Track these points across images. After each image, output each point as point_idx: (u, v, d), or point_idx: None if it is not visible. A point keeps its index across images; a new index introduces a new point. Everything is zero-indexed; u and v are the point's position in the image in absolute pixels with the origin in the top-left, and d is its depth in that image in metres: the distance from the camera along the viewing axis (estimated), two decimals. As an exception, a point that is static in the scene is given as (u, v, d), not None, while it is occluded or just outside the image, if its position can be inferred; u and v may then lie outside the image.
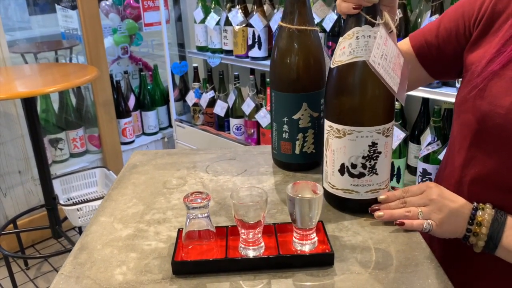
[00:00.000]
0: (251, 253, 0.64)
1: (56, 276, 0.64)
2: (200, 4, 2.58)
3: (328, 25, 2.00)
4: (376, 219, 0.73)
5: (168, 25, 2.96)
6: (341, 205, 0.77)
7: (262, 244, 0.65)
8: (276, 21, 2.21)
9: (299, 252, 0.65)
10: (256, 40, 2.35)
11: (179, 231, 0.68)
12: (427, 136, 1.79)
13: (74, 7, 2.58)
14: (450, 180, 0.79)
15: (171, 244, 0.69)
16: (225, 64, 2.85)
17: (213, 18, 2.49)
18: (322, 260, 0.63)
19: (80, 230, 2.57)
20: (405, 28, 1.76)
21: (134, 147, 2.94)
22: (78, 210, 2.12)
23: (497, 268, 0.75)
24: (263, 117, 2.39)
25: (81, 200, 2.38)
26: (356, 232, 0.71)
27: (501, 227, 0.67)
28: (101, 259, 0.67)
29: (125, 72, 2.94)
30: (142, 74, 2.99)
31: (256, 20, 2.29)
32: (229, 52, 2.52)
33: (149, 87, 3.04)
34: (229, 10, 2.42)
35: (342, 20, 0.73)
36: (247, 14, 2.39)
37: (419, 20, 1.79)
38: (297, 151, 0.89)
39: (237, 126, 2.66)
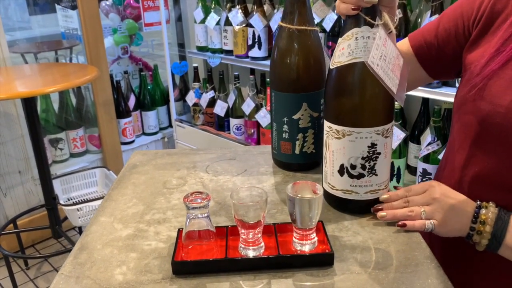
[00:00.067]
0: (251, 253, 0.64)
1: (56, 276, 0.64)
2: (200, 4, 2.58)
3: (328, 25, 2.00)
4: (378, 219, 0.73)
5: (168, 25, 2.96)
6: (341, 205, 0.77)
7: (262, 244, 0.65)
8: (276, 21, 2.22)
9: (299, 252, 0.65)
10: (256, 40, 2.35)
11: (179, 231, 0.68)
12: (427, 136, 1.79)
13: (74, 7, 2.58)
14: (450, 180, 0.79)
15: (171, 244, 0.69)
16: (225, 64, 2.85)
17: (213, 18, 2.49)
18: (322, 260, 0.63)
19: (80, 230, 2.57)
20: (405, 28, 1.76)
21: (134, 147, 2.94)
22: (78, 210, 2.12)
23: (497, 268, 0.75)
24: (263, 117, 2.39)
25: (81, 200, 2.38)
26: (356, 232, 0.71)
27: (505, 225, 0.67)
28: (101, 259, 0.67)
29: (125, 72, 2.94)
30: (142, 74, 2.99)
31: (256, 20, 2.29)
32: (229, 52, 2.52)
33: (149, 87, 3.04)
34: (229, 10, 2.42)
35: (342, 20, 0.73)
36: (247, 14, 2.39)
37: (419, 20, 1.79)
38: (297, 151, 0.89)
39: (237, 126, 2.66)
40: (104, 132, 2.73)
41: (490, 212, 0.68)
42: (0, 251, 2.09)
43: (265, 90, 2.48)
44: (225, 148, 1.07)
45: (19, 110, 2.31)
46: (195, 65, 2.85)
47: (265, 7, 2.35)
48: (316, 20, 2.00)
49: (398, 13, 0.75)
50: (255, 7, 2.32)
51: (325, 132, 0.74)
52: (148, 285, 0.61)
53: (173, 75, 2.89)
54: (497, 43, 0.69)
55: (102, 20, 2.61)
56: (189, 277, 0.62)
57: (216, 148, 1.07)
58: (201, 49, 2.70)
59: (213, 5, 2.54)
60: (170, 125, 3.14)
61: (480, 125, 0.70)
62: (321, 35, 2.08)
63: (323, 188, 0.77)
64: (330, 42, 2.08)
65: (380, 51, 0.65)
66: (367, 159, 0.71)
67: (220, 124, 2.80)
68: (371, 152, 0.70)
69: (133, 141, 2.97)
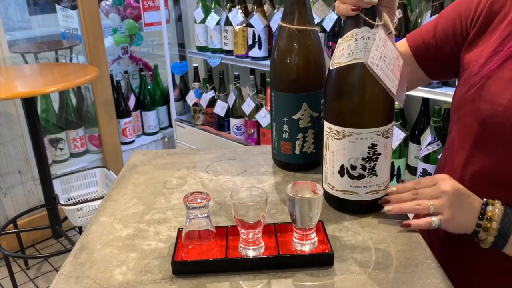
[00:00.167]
0: (251, 253, 0.64)
1: (56, 276, 0.64)
2: (200, 4, 2.58)
3: (328, 25, 2.00)
4: (378, 219, 0.73)
5: (168, 25, 2.96)
6: (341, 206, 0.77)
7: (262, 244, 0.65)
8: (276, 21, 2.21)
9: (299, 252, 0.65)
10: (256, 40, 2.35)
11: (179, 231, 0.68)
12: (427, 136, 1.79)
13: (74, 7, 2.58)
14: None
15: (171, 244, 0.70)
16: (225, 64, 2.85)
17: (213, 18, 2.49)
18: (322, 260, 0.64)
19: (80, 230, 2.57)
20: (405, 28, 1.76)
21: (134, 147, 2.94)
22: (78, 210, 2.12)
23: (497, 268, 0.75)
24: (263, 117, 2.39)
25: (81, 200, 2.38)
26: (356, 232, 0.71)
27: (511, 222, 0.67)
28: (101, 259, 0.67)
29: (125, 72, 2.94)
30: (142, 74, 2.99)
31: (256, 20, 2.29)
32: (229, 52, 2.52)
33: (149, 87, 3.04)
34: (229, 10, 2.42)
35: (342, 20, 0.73)
36: (247, 14, 2.39)
37: (419, 20, 1.79)
38: (297, 151, 0.89)
39: (237, 126, 2.66)
40: (104, 132, 2.73)
41: (496, 209, 0.67)
42: (0, 251, 2.09)
43: (265, 90, 2.48)
44: (225, 148, 1.07)
45: (19, 110, 2.31)
46: (195, 65, 2.85)
47: (265, 7, 2.35)
48: (316, 20, 2.00)
49: (398, 13, 0.76)
50: (255, 7, 2.32)
51: (325, 133, 0.74)
52: (148, 285, 0.61)
53: (173, 75, 2.89)
54: (495, 42, 0.70)
55: (102, 20, 2.61)
56: (189, 277, 0.62)
57: (216, 148, 1.07)
58: (201, 49, 2.70)
59: (213, 5, 2.54)
60: (170, 125, 3.14)
61: (479, 125, 0.70)
62: (321, 35, 2.08)
63: (323, 188, 0.77)
64: (330, 42, 2.08)
65: (380, 52, 0.65)
66: (367, 159, 0.71)
67: (220, 124, 2.80)
68: (371, 152, 0.70)
69: (133, 141, 2.97)
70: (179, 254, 0.65)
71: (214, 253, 0.65)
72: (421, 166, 1.82)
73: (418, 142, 1.92)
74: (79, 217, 2.14)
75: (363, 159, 0.71)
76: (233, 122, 2.67)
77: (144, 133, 3.08)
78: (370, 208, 0.76)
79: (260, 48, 2.36)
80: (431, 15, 1.69)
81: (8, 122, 2.33)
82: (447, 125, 1.80)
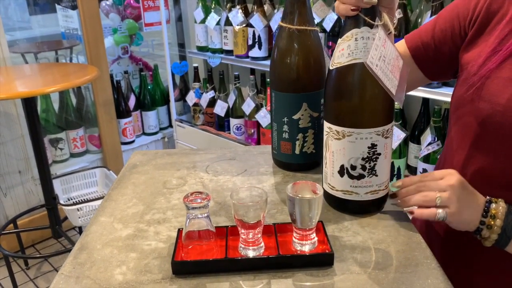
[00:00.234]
0: (251, 253, 0.64)
1: (56, 276, 0.64)
2: (200, 4, 2.58)
3: (328, 25, 2.00)
4: (378, 219, 0.73)
5: (169, 25, 2.96)
6: (341, 206, 0.77)
7: (262, 244, 0.65)
8: (276, 21, 2.22)
9: (299, 252, 0.65)
10: (256, 40, 2.35)
11: (179, 231, 0.68)
12: (427, 136, 1.79)
13: (74, 7, 2.58)
14: None
15: (171, 244, 0.70)
16: (225, 64, 2.85)
17: (213, 18, 2.49)
18: (322, 260, 0.64)
19: (80, 230, 2.57)
20: (405, 28, 1.76)
21: (134, 147, 2.94)
22: (78, 210, 2.12)
23: (497, 268, 0.75)
24: (263, 117, 2.39)
25: (81, 200, 2.38)
26: (356, 232, 0.71)
27: None
28: (101, 259, 0.67)
29: (125, 72, 2.94)
30: (142, 74, 2.99)
31: (256, 20, 2.29)
32: (229, 52, 2.52)
33: (149, 87, 3.04)
34: (230, 10, 2.42)
35: (342, 20, 0.73)
36: (247, 14, 2.39)
37: (419, 20, 1.79)
38: (297, 151, 0.89)
39: (237, 126, 2.66)
40: (104, 132, 2.73)
41: (500, 206, 0.67)
42: (0, 251, 2.09)
43: (265, 90, 2.48)
44: (225, 148, 1.07)
45: (19, 110, 2.31)
46: (195, 65, 2.85)
47: (265, 7, 2.35)
48: (316, 20, 2.00)
49: (398, 13, 0.76)
50: (255, 7, 2.32)
51: (325, 133, 0.74)
52: (148, 285, 0.61)
53: (173, 75, 2.89)
54: (493, 42, 0.70)
55: (102, 20, 2.61)
56: (189, 277, 0.62)
57: (216, 148, 1.07)
58: (201, 49, 2.70)
59: (213, 5, 2.54)
60: (170, 125, 3.14)
61: (478, 124, 0.71)
62: (321, 35, 2.08)
63: (323, 188, 0.77)
64: (330, 42, 2.07)
65: (379, 52, 0.65)
66: (367, 159, 0.71)
67: (220, 124, 2.80)
68: (371, 152, 0.70)
69: (133, 141, 2.97)
70: (179, 254, 0.65)
71: (214, 253, 0.65)
72: (421, 166, 1.82)
73: (418, 142, 1.92)
74: (79, 217, 2.14)
75: (363, 159, 0.71)
76: (233, 122, 2.67)
77: (144, 133, 3.08)
78: (370, 208, 0.76)
79: (260, 48, 2.36)
80: (431, 15, 1.69)
81: (8, 122, 2.33)
82: (447, 125, 1.79)
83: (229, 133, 2.73)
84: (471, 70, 0.72)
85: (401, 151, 1.88)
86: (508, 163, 0.69)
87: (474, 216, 0.68)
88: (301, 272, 0.63)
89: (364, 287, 0.59)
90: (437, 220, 0.68)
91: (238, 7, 2.40)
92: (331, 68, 0.71)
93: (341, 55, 0.69)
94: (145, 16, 2.83)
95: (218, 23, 2.51)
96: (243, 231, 0.64)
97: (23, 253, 2.40)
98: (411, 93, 1.66)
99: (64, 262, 0.67)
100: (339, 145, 0.71)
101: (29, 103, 1.88)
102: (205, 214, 0.64)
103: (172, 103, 2.92)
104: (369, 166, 0.71)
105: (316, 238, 0.66)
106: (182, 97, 3.02)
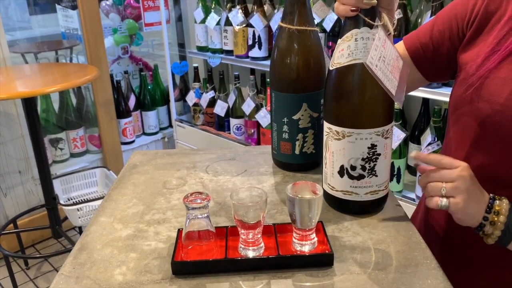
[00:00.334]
0: (250, 254, 0.64)
1: (56, 276, 0.64)
2: (200, 4, 2.58)
3: (328, 25, 2.00)
4: (378, 219, 0.73)
5: (169, 25, 2.96)
6: (341, 206, 0.77)
7: (262, 244, 0.66)
8: (276, 21, 2.22)
9: (298, 252, 0.65)
10: (256, 40, 2.35)
11: (179, 231, 0.68)
12: (427, 136, 1.79)
13: (74, 7, 2.58)
14: None
15: (171, 244, 0.70)
16: (225, 64, 2.85)
17: (213, 18, 2.49)
18: (321, 261, 0.64)
19: (80, 230, 2.57)
20: (405, 28, 1.76)
21: (134, 147, 2.95)
22: (78, 210, 2.12)
23: (497, 267, 0.75)
24: (263, 117, 2.39)
25: (81, 200, 2.38)
26: (355, 233, 0.71)
27: None
28: (101, 259, 0.67)
29: (126, 72, 2.94)
30: (142, 74, 2.99)
31: (256, 20, 2.29)
32: (229, 52, 2.52)
33: (149, 87, 3.04)
34: (230, 10, 2.42)
35: (342, 20, 0.73)
36: (247, 14, 2.39)
37: (419, 20, 1.79)
38: (297, 152, 0.89)
39: (237, 126, 2.66)
40: (104, 132, 2.73)
41: (504, 203, 0.67)
42: (0, 251, 2.10)
43: (265, 90, 2.48)
44: (225, 148, 1.07)
45: (19, 110, 2.31)
46: (195, 65, 2.85)
47: (265, 7, 2.35)
48: (316, 20, 2.00)
49: (398, 13, 0.76)
50: (255, 7, 2.32)
51: (325, 133, 0.74)
52: (147, 285, 0.61)
53: (173, 75, 2.89)
54: (492, 42, 0.70)
55: (102, 20, 2.61)
56: (188, 278, 0.62)
57: (216, 148, 1.07)
58: (201, 49, 2.70)
59: (213, 5, 2.54)
60: (170, 125, 3.14)
61: (478, 124, 0.71)
62: (321, 35, 2.08)
63: (323, 189, 0.77)
64: (330, 42, 2.08)
65: (379, 52, 0.65)
66: (367, 160, 0.71)
67: (220, 124, 2.80)
68: (371, 153, 0.70)
69: (133, 141, 2.97)
70: (179, 254, 0.65)
71: (214, 254, 0.65)
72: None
73: (418, 142, 1.92)
74: (79, 217, 2.14)
75: (363, 159, 0.71)
76: (233, 122, 2.67)
77: (144, 133, 3.08)
78: (370, 208, 0.76)
79: (260, 48, 2.36)
80: (431, 15, 1.69)
81: (8, 122, 2.33)
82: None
83: (229, 133, 2.73)
84: (469, 70, 0.72)
85: (401, 151, 1.89)
86: (508, 162, 0.69)
87: (478, 210, 0.67)
88: (301, 272, 0.63)
89: (364, 287, 0.59)
90: (440, 209, 0.68)
91: (238, 7, 2.40)
92: (331, 68, 0.71)
93: (341, 55, 0.69)
94: (145, 16, 2.83)
95: (218, 23, 2.51)
96: (243, 231, 0.64)
97: (23, 253, 2.40)
98: (411, 93, 1.66)
99: (64, 262, 0.67)
100: (339, 146, 0.71)
101: (29, 103, 1.89)
102: (205, 215, 0.64)
103: (172, 103, 2.92)
104: (369, 166, 0.71)
105: (316, 239, 0.66)
106: (182, 97, 3.02)
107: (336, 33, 2.03)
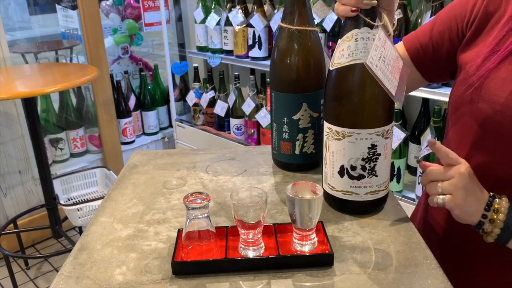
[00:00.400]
0: (251, 254, 0.64)
1: (56, 276, 0.64)
2: (200, 4, 2.58)
3: (328, 25, 2.00)
4: (378, 219, 0.73)
5: (169, 25, 2.96)
6: (341, 206, 0.77)
7: (262, 244, 0.66)
8: (276, 21, 2.22)
9: (298, 252, 0.65)
10: (257, 40, 2.35)
11: (179, 231, 0.68)
12: (427, 136, 1.79)
13: (74, 7, 2.58)
14: None
15: (171, 245, 0.70)
16: (225, 64, 2.85)
17: (213, 18, 2.49)
18: (321, 261, 0.64)
19: (80, 230, 2.57)
20: (405, 28, 1.76)
21: (134, 147, 2.95)
22: (78, 210, 2.12)
23: (496, 267, 0.75)
24: (263, 117, 2.40)
25: (81, 200, 2.38)
26: (355, 233, 0.71)
27: None
28: (101, 259, 0.67)
29: (126, 72, 2.94)
30: (142, 74, 2.99)
31: (257, 20, 2.29)
32: (230, 52, 2.52)
33: (149, 87, 3.04)
34: (230, 10, 2.42)
35: (342, 20, 0.73)
36: (247, 14, 2.39)
37: (419, 20, 1.79)
38: (297, 152, 0.89)
39: (237, 126, 2.66)
40: (104, 132, 2.73)
41: (503, 201, 0.67)
42: (0, 251, 2.10)
43: (265, 90, 2.48)
44: (225, 148, 1.07)
45: (19, 110, 2.31)
46: (195, 65, 2.85)
47: (265, 7, 2.35)
48: (316, 20, 2.00)
49: (398, 13, 0.76)
50: (255, 7, 2.32)
51: (325, 133, 0.74)
52: (148, 286, 0.61)
53: (173, 75, 2.89)
54: (491, 43, 0.71)
55: (102, 20, 2.61)
56: (189, 278, 0.62)
57: (216, 148, 1.07)
58: (201, 49, 2.70)
59: (213, 5, 2.54)
60: (170, 125, 3.14)
61: (478, 124, 0.71)
62: (321, 35, 2.08)
63: (323, 189, 0.77)
64: (330, 42, 2.08)
65: (379, 52, 0.65)
66: (367, 160, 0.71)
67: (220, 124, 2.80)
68: (371, 153, 0.70)
69: (133, 141, 2.97)
70: (179, 254, 0.65)
71: (214, 254, 0.65)
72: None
73: (418, 142, 1.92)
74: (79, 217, 2.14)
75: (363, 159, 0.71)
76: (233, 122, 2.67)
77: (144, 133, 3.08)
78: (370, 208, 0.76)
79: (260, 48, 2.36)
80: (431, 16, 1.69)
81: (8, 122, 2.33)
82: (447, 125, 1.80)
83: (229, 133, 2.73)
84: (469, 71, 0.72)
85: (401, 151, 1.89)
86: (508, 162, 0.69)
87: (477, 208, 0.68)
88: (301, 272, 0.63)
89: (364, 287, 0.59)
90: (436, 206, 0.69)
91: (238, 7, 2.40)
92: (331, 68, 0.71)
93: (341, 55, 0.69)
94: (145, 16, 2.83)
95: (218, 23, 2.51)
96: (243, 231, 0.64)
97: (23, 253, 2.40)
98: (411, 93, 1.65)
99: (64, 262, 0.67)
100: (339, 146, 0.71)
101: (29, 103, 1.89)
102: (205, 215, 0.64)
103: (172, 103, 2.92)
104: (369, 166, 0.71)
105: (316, 239, 0.66)
106: (182, 97, 3.02)
107: (336, 33, 2.03)
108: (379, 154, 0.71)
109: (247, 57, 2.44)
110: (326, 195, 0.78)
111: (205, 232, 0.64)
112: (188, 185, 0.89)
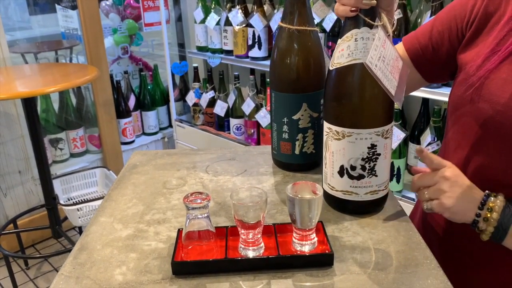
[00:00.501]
0: (250, 254, 0.64)
1: (56, 276, 0.64)
2: (200, 4, 2.58)
3: (328, 25, 2.00)
4: (378, 219, 0.73)
5: (168, 25, 2.96)
6: (341, 206, 0.77)
7: (262, 244, 0.66)
8: (276, 21, 2.22)
9: (298, 252, 0.65)
10: (256, 40, 2.35)
11: (179, 231, 0.69)
12: (427, 136, 1.79)
13: (74, 7, 2.58)
14: None
15: (171, 245, 0.70)
16: (225, 64, 2.85)
17: (213, 18, 2.49)
18: (321, 261, 0.64)
19: (80, 230, 2.57)
20: (405, 28, 1.76)
21: (134, 147, 2.95)
22: (78, 210, 2.12)
23: (496, 266, 0.75)
24: (263, 117, 2.40)
25: (81, 200, 2.38)
26: (355, 233, 0.71)
27: None
28: (101, 259, 0.67)
29: (125, 72, 2.94)
30: (142, 74, 2.99)
31: (256, 20, 2.29)
32: (229, 52, 2.52)
33: (149, 87, 3.04)
34: (229, 10, 2.42)
35: (342, 20, 0.73)
36: (247, 14, 2.39)
37: (419, 20, 1.79)
38: (297, 152, 0.89)
39: (237, 126, 2.66)
40: (104, 132, 2.73)
41: (498, 200, 0.68)
42: (0, 251, 2.10)
43: (265, 90, 2.48)
44: (225, 148, 1.07)
45: (19, 110, 2.31)
46: (195, 65, 2.85)
47: (265, 7, 2.35)
48: (316, 20, 2.00)
49: (398, 14, 0.76)
50: (255, 7, 2.32)
51: (324, 133, 0.74)
52: (148, 286, 0.61)
53: (173, 75, 2.89)
54: (492, 43, 0.71)
55: (102, 20, 2.61)
56: (189, 278, 0.62)
57: (216, 148, 1.07)
58: (201, 49, 2.70)
59: (213, 5, 2.54)
60: (170, 125, 3.14)
61: (479, 125, 0.71)
62: (321, 35, 2.08)
63: (323, 189, 0.77)
64: (330, 42, 2.08)
65: (379, 52, 0.65)
66: (367, 160, 0.71)
67: (220, 124, 2.80)
68: (371, 153, 0.70)
69: (133, 141, 2.97)
70: (179, 254, 0.65)
71: (214, 254, 0.65)
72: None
73: (418, 142, 1.92)
74: (79, 217, 2.14)
75: (362, 159, 0.71)
76: (233, 122, 2.67)
77: (144, 133, 3.08)
78: (370, 208, 0.76)
79: (260, 48, 2.36)
80: (431, 15, 1.69)
81: (8, 122, 2.33)
82: (447, 125, 1.80)
83: (229, 133, 2.73)
84: (469, 71, 0.72)
85: (401, 151, 1.89)
86: (508, 162, 0.69)
87: (468, 208, 0.68)
88: (301, 272, 0.63)
89: (364, 287, 0.59)
90: (427, 212, 0.71)
91: (238, 7, 2.40)
92: (331, 68, 0.71)
93: (341, 55, 0.69)
94: (145, 16, 2.83)
95: (218, 23, 2.51)
96: (243, 231, 0.64)
97: (23, 253, 2.40)
98: (411, 93, 1.66)
99: (64, 262, 0.67)
100: (339, 146, 0.71)
101: (29, 103, 1.89)
102: (205, 215, 0.64)
103: (172, 103, 2.92)
104: (369, 166, 0.71)
105: (316, 239, 0.66)
106: (182, 97, 3.02)
107: (336, 33, 2.03)
108: (379, 154, 0.71)
109: (247, 57, 2.44)
110: (326, 195, 0.78)
111: (205, 232, 0.64)
112: (188, 185, 0.89)
